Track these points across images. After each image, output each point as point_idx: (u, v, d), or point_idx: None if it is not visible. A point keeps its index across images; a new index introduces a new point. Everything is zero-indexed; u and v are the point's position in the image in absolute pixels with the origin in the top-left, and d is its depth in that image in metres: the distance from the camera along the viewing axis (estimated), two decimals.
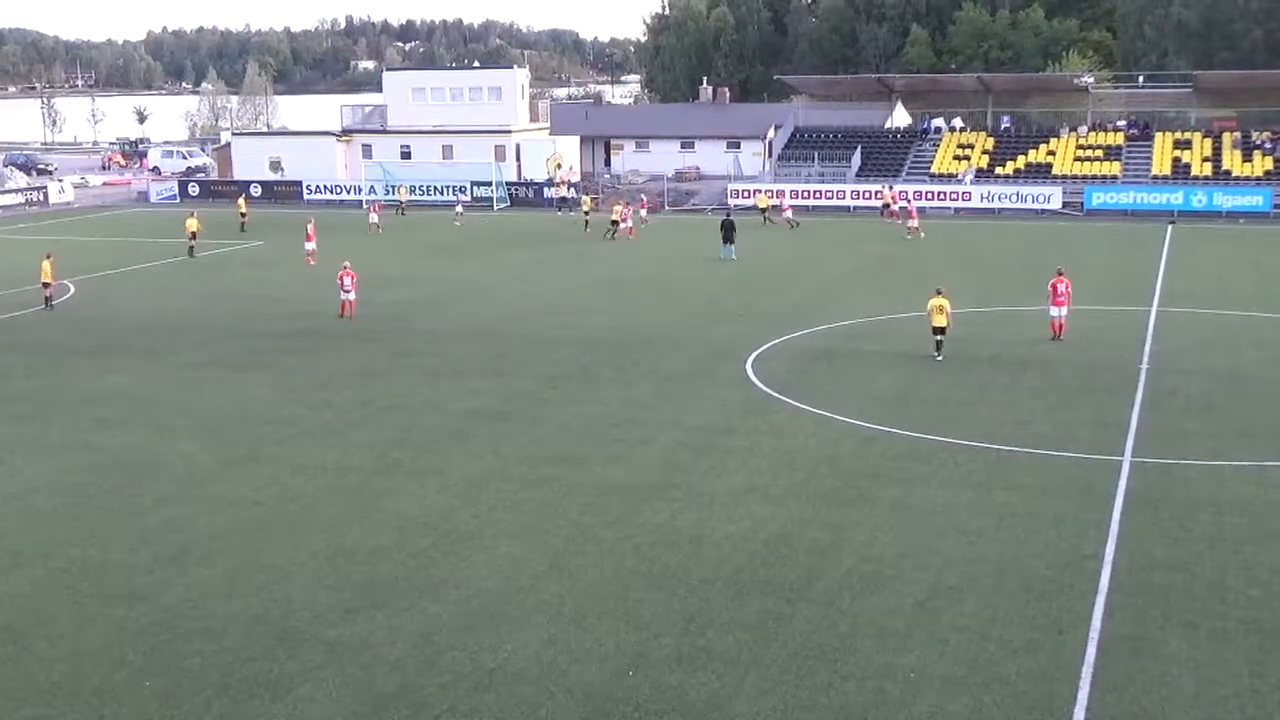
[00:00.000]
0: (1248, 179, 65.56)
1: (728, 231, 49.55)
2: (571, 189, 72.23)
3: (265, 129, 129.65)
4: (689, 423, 25.45)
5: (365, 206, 66.91)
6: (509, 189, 74.13)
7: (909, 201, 59.00)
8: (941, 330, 30.62)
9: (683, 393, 28.01)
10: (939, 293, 30.93)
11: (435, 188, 74.11)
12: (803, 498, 20.78)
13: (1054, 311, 32.70)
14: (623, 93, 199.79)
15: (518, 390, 28.54)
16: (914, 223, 55.39)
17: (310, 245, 49.42)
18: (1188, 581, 17.12)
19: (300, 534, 19.41)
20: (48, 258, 40.33)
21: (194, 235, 53.16)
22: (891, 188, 64.63)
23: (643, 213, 61.25)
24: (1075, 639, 15.37)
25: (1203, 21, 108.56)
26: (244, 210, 63.70)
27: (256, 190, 77.59)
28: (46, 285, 39.82)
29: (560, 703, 14.04)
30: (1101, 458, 22.70)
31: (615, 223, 56.34)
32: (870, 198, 66.46)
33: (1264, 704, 13.86)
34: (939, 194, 66.78)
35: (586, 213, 61.46)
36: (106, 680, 14.68)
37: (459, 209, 65.99)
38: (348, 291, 37.08)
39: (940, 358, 30.41)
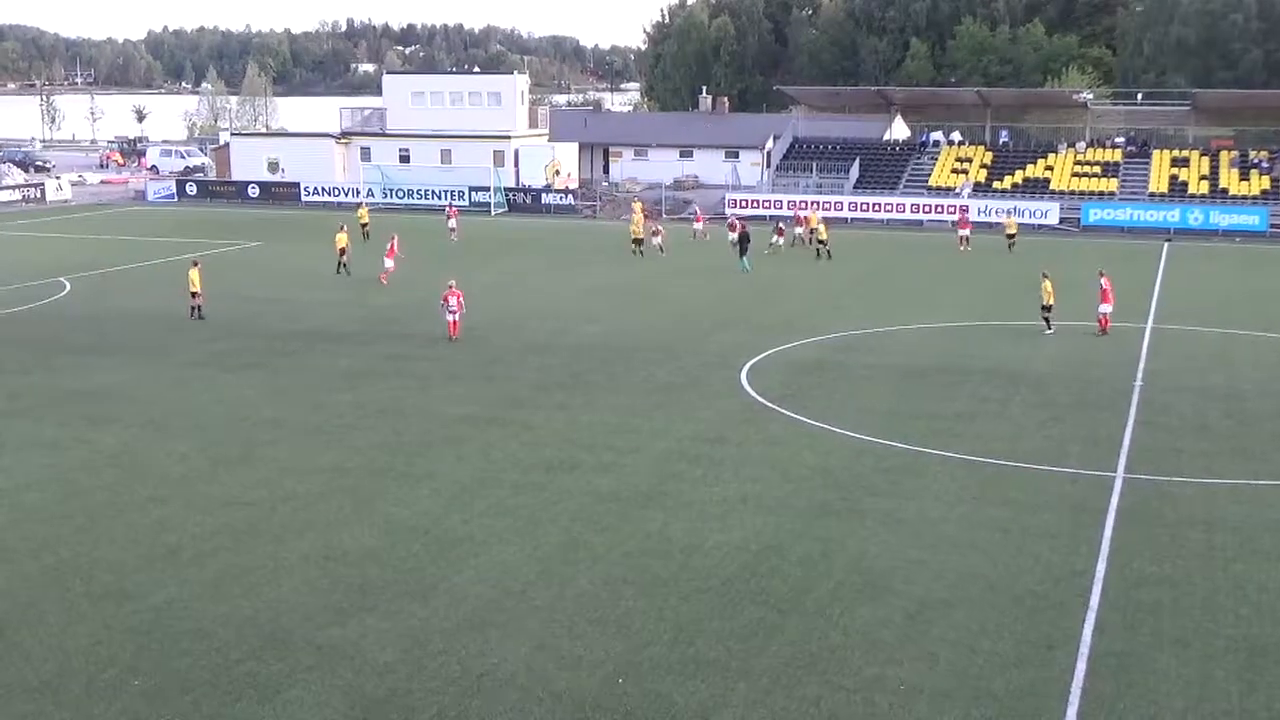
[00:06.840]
0: (1244, 198, 65.74)
1: (743, 244, 49.41)
2: (569, 194, 72.21)
3: (264, 130, 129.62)
4: (682, 431, 25.45)
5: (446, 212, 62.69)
6: (507, 194, 74.21)
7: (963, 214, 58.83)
8: (1047, 308, 35.59)
9: (676, 401, 28.00)
10: (1045, 275, 36.25)
11: (433, 192, 74.16)
12: (795, 509, 20.77)
13: (1103, 308, 35.70)
14: (622, 100, 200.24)
15: (511, 396, 28.53)
16: (964, 232, 56.24)
17: (389, 263, 44.97)
18: (1178, 599, 17.14)
19: (291, 536, 19.38)
20: (195, 265, 39.00)
21: (343, 251, 47.26)
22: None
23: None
24: (1065, 654, 15.37)
25: (1202, 40, 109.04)
26: (365, 220, 57.68)
27: (254, 191, 77.71)
28: (195, 295, 37.77)
29: (549, 709, 14.02)
30: (1094, 474, 22.72)
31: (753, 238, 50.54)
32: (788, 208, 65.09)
33: None
34: (935, 207, 66.92)
35: (645, 238, 53.57)
36: (94, 679, 14.64)
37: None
38: (453, 312, 34.99)
39: (1050, 331, 35.28)
